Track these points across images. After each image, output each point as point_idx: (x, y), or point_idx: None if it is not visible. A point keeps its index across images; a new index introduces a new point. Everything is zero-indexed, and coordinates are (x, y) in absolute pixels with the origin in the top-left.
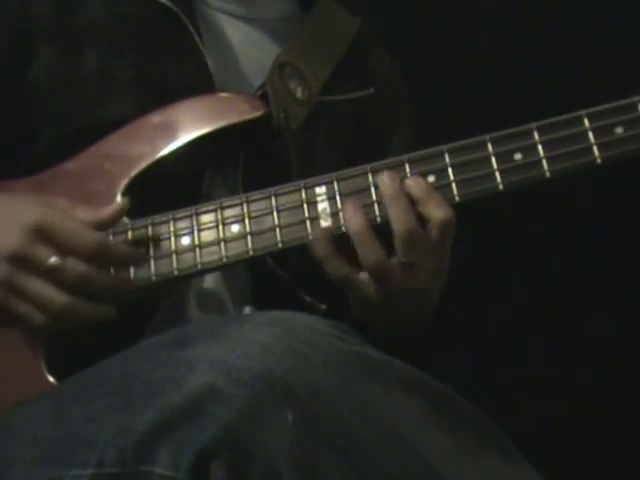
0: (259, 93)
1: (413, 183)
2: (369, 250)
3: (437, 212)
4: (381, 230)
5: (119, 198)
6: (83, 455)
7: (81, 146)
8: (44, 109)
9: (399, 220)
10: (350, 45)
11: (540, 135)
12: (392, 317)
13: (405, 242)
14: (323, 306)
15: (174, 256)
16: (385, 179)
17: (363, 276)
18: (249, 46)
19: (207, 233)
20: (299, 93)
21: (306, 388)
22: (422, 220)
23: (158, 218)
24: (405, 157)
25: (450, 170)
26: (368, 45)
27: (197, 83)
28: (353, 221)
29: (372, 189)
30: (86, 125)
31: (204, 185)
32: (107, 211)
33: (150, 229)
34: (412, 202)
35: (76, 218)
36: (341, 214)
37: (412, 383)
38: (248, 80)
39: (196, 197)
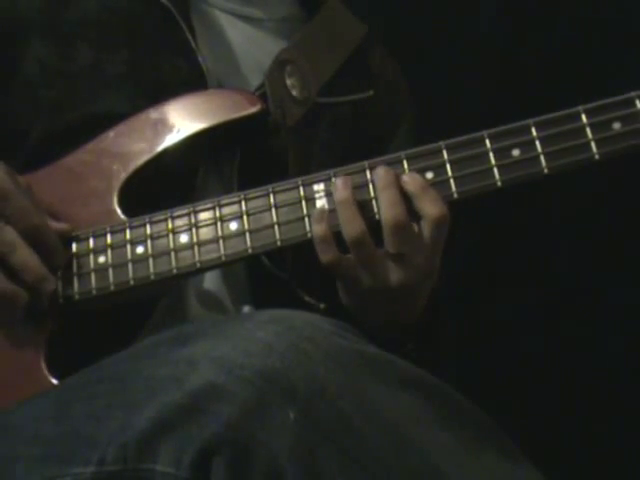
0: (258, 93)
1: (408, 179)
2: (350, 223)
3: (431, 208)
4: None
5: (116, 202)
6: (84, 453)
7: (74, 141)
8: (36, 103)
9: (387, 210)
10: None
11: (538, 131)
12: (379, 315)
13: (392, 233)
14: (322, 305)
15: (172, 254)
16: (380, 172)
17: (350, 261)
18: (248, 45)
19: (205, 231)
20: (297, 92)
21: (308, 385)
22: (416, 216)
23: (156, 216)
24: (403, 154)
25: (448, 166)
26: (369, 46)
27: (190, 80)
28: (339, 193)
29: (370, 185)
30: (78, 120)
31: (198, 181)
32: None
33: (148, 227)
34: (407, 197)
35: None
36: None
37: (413, 381)
38: (247, 79)
39: (190, 194)
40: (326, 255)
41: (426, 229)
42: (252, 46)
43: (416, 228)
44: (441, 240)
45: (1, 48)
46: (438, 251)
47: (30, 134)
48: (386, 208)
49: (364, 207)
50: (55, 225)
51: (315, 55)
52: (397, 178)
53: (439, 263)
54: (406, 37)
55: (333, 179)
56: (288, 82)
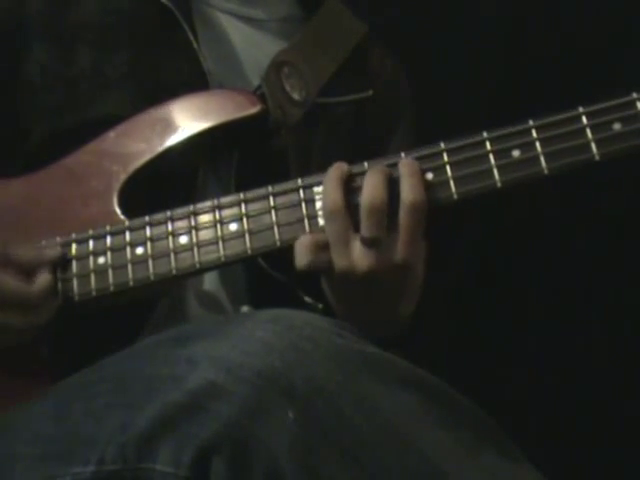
0: (257, 93)
1: (405, 161)
2: (330, 196)
3: (408, 194)
4: None
5: (116, 202)
6: (84, 453)
7: (75, 143)
8: (38, 107)
9: (367, 192)
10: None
11: (538, 132)
12: (361, 313)
13: (366, 215)
14: (320, 306)
15: (172, 255)
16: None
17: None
18: (249, 46)
19: (205, 232)
20: (296, 93)
21: (307, 385)
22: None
23: (155, 217)
24: (403, 154)
25: (448, 167)
26: (369, 46)
27: (191, 81)
28: (330, 171)
29: None
30: (79, 122)
31: (198, 182)
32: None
33: (147, 228)
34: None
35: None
36: None
37: (412, 380)
38: (248, 80)
39: (189, 194)
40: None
41: (401, 214)
42: (253, 47)
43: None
44: (416, 229)
45: (2, 51)
46: (413, 241)
47: (31, 137)
48: (366, 190)
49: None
50: (35, 254)
51: (314, 55)
52: (390, 171)
53: (418, 259)
54: (406, 37)
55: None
56: (286, 83)
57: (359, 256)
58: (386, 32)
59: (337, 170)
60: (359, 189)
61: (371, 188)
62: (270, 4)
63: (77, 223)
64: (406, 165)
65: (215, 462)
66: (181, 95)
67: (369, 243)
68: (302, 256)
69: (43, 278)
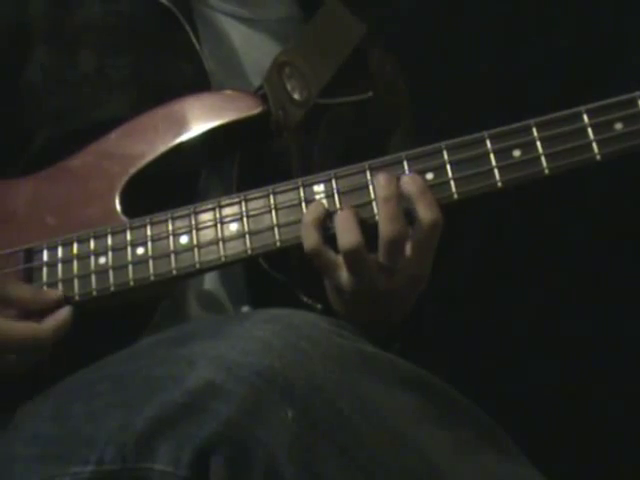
0: (259, 94)
1: (409, 179)
2: (347, 233)
3: (426, 213)
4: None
5: (117, 203)
6: (83, 453)
7: (78, 146)
8: (40, 109)
9: (386, 224)
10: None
11: (539, 131)
12: (364, 315)
13: (388, 247)
14: (319, 306)
15: (172, 255)
16: (381, 180)
17: (340, 260)
18: (250, 47)
19: (205, 232)
20: (297, 94)
21: (306, 384)
22: (410, 220)
23: (156, 217)
24: (403, 154)
25: (448, 167)
26: (368, 47)
27: (193, 82)
28: (342, 214)
29: (370, 187)
30: (82, 125)
31: (200, 183)
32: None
33: (149, 228)
34: (404, 201)
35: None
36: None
37: (411, 379)
38: (248, 80)
39: (191, 195)
40: (308, 240)
41: (418, 233)
42: (253, 48)
43: (410, 231)
44: (432, 246)
45: (6, 54)
46: (428, 256)
47: (34, 140)
48: (385, 222)
49: (363, 209)
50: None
51: (314, 56)
52: (398, 188)
53: (429, 268)
54: (406, 37)
55: (333, 181)
56: (288, 84)
57: (378, 278)
58: (386, 32)
59: (350, 209)
60: (370, 202)
61: (389, 221)
62: (269, 5)
63: (79, 224)
64: (413, 183)
65: (214, 462)
66: (183, 96)
67: (388, 267)
68: (309, 237)
69: (56, 320)
